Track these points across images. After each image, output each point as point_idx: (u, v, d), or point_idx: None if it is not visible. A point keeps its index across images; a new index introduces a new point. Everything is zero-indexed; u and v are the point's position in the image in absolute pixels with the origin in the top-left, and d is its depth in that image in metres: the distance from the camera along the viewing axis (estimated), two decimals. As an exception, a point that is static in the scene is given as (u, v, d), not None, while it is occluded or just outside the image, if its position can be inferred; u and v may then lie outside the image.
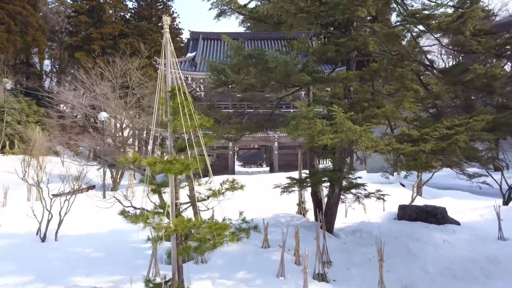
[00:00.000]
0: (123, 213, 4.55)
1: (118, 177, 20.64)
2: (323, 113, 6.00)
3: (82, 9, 42.08)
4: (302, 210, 10.09)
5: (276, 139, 24.68)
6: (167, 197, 5.74)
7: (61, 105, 44.22)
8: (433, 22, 6.04)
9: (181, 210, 5.02)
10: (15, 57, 40.10)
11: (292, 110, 22.29)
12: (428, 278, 6.25)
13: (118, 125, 21.72)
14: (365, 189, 8.05)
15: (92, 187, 21.66)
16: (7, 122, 29.53)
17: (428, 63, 7.13)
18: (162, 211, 4.66)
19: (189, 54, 24.02)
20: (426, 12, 6.30)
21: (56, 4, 51.93)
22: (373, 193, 8.08)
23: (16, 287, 4.92)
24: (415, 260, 6.96)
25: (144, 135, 31.09)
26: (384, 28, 6.18)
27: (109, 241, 8.18)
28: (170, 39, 5.02)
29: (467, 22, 5.67)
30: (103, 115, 16.27)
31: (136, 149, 27.74)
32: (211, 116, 6.02)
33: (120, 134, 20.96)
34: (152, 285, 4.59)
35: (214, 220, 4.46)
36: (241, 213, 5.18)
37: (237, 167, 40.63)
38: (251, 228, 4.89)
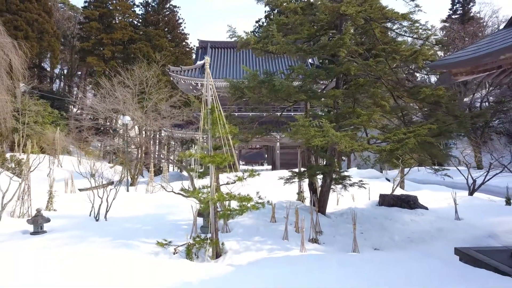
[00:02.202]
0: (183, 190, 6.78)
1: (136, 174, 22.89)
2: (316, 123, 8.20)
3: (93, 15, 44.33)
4: (301, 198, 12.35)
5: (278, 140, 26.90)
6: (196, 183, 7.99)
7: (71, 107, 46.53)
8: (396, 56, 8.27)
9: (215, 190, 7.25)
10: (28, 61, 42.28)
11: (292, 114, 24.51)
12: (393, 243, 8.49)
13: (136, 127, 23.97)
14: (350, 180, 10.29)
15: (111, 183, 23.94)
16: (28, 124, 31.72)
17: (397, 83, 9.36)
18: (205, 190, 6.91)
19: (198, 62, 26.24)
20: (392, 46, 8.55)
21: (65, 8, 54.24)
22: (356, 183, 10.32)
23: (103, 242, 7.15)
24: (386, 233, 9.20)
25: (152, 134, 33.34)
26: (360, 60, 8.40)
27: (150, 221, 10.41)
28: (210, 73, 7.27)
29: (418, 57, 7.90)
30: (126, 119, 18.51)
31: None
32: (230, 123, 8.27)
33: (138, 135, 23.21)
34: (199, 239, 6.84)
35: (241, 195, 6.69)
36: (257, 193, 7.43)
37: (241, 166, 42.84)
38: (265, 203, 7.13)
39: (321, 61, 26.91)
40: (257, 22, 45.79)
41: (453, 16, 46.22)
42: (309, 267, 5.35)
